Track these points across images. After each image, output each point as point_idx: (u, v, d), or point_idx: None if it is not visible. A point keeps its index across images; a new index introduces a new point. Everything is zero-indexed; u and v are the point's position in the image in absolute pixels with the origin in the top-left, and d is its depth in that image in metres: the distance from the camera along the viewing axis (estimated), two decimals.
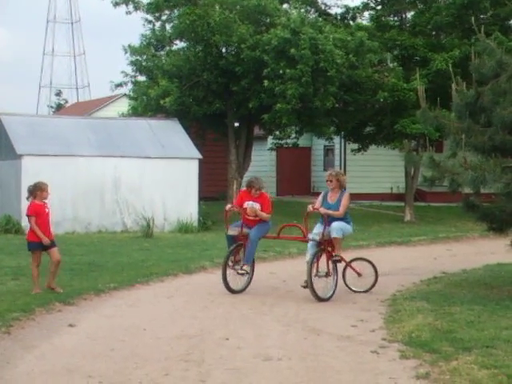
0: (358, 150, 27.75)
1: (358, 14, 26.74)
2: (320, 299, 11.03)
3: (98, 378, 6.85)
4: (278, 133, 28.06)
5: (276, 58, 22.03)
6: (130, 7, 24.74)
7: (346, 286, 12.06)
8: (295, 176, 35.31)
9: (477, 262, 15.02)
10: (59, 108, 62.60)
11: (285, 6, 25.76)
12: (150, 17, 25.31)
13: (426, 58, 24.49)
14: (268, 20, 23.80)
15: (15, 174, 20.54)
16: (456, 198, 12.51)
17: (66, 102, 66.86)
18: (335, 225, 11.35)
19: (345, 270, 12.08)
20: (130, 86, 26.47)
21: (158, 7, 24.63)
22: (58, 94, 69.66)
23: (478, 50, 11.89)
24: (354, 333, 8.85)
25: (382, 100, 23.99)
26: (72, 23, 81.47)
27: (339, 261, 11.59)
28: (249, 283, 11.94)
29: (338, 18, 26.61)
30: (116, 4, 24.68)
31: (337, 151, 33.70)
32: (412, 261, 16.25)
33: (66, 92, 74.23)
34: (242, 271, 11.76)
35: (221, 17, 22.61)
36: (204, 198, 24.06)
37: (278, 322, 9.51)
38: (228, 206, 12.27)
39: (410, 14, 26.63)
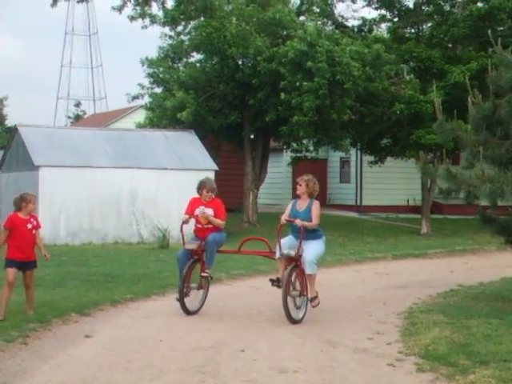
0: (375, 162, 27.70)
1: (374, 26, 26.76)
2: (293, 321, 10.20)
3: None
4: (295, 145, 28.06)
5: (292, 70, 22.08)
6: (147, 21, 24.95)
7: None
8: None
9: (494, 275, 14.92)
10: (77, 119, 62.98)
11: (301, 18, 25.87)
12: (167, 31, 25.50)
13: (442, 70, 24.46)
14: (284, 32, 23.89)
15: (32, 185, 20.63)
16: (473, 211, 12.47)
17: (84, 113, 67.25)
18: (309, 257, 10.35)
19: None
20: (146, 98, 26.64)
21: (173, 20, 24.78)
22: (77, 104, 70.15)
23: (495, 63, 11.85)
24: (371, 345, 8.81)
25: (398, 112, 23.98)
26: (89, 35, 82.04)
27: (318, 304, 10.61)
28: (204, 301, 11.04)
29: (355, 30, 26.65)
30: (132, 18, 24.88)
31: (353, 163, 33.67)
32: (428, 273, 16.18)
33: (84, 103, 74.72)
34: (205, 274, 10.84)
35: (237, 29, 22.71)
36: None
37: (293, 334, 9.48)
38: (185, 217, 11.05)
39: (426, 26, 26.62)
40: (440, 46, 25.33)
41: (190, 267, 10.79)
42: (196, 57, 25.74)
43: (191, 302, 10.84)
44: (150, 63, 24.88)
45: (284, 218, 10.70)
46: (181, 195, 21.81)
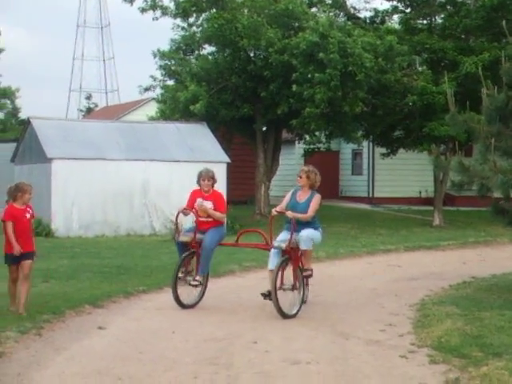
0: (388, 154, 27.62)
1: (387, 18, 26.66)
2: (285, 316, 9.90)
3: (128, 380, 6.89)
4: (307, 138, 28.02)
5: (304, 62, 22.02)
6: (158, 13, 24.93)
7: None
8: (323, 180, 34.75)
9: (507, 267, 14.87)
10: (89, 112, 63.11)
11: (313, 9, 25.79)
12: (179, 22, 25.49)
13: (455, 61, 24.33)
14: (296, 24, 23.82)
15: (45, 178, 20.74)
16: (486, 203, 12.41)
17: (96, 105, 67.38)
18: (304, 234, 10.19)
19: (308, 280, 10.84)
20: (158, 90, 26.67)
21: (185, 12, 24.76)
22: (89, 97, 70.29)
23: (509, 54, 11.80)
24: (383, 337, 8.81)
25: (411, 104, 23.89)
26: (101, 28, 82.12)
27: (310, 276, 10.52)
28: (201, 297, 10.76)
29: (367, 21, 26.55)
30: (143, 10, 24.88)
31: (365, 155, 33.61)
32: (441, 265, 16.15)
33: (96, 96, 74.87)
34: (195, 282, 10.50)
35: (249, 21, 22.67)
36: (232, 201, 24.09)
37: (305, 326, 9.49)
38: (181, 207, 10.93)
39: (439, 17, 26.49)
40: (453, 37, 25.18)
41: (186, 259, 10.61)
42: (208, 49, 25.75)
43: (188, 295, 10.60)
44: (162, 55, 24.91)
45: (275, 209, 10.56)
46: (193, 187, 21.81)
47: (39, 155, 21.26)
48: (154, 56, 25.13)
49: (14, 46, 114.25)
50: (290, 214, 10.21)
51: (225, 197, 11.18)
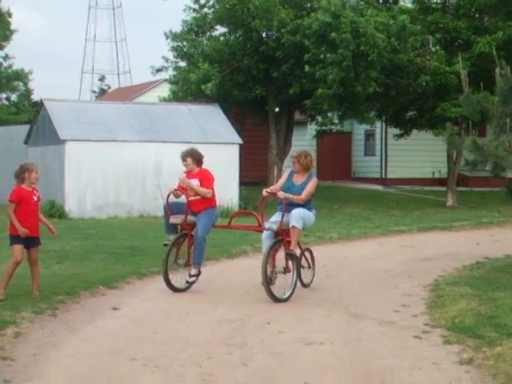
0: (401, 135, 27.52)
1: None
2: (277, 300, 9.65)
3: (142, 360, 6.92)
4: (320, 119, 27.95)
5: (317, 42, 21.93)
6: None
7: (300, 281, 10.52)
8: (336, 161, 35.16)
9: None
10: (102, 93, 63.15)
11: None
12: (191, 3, 25.40)
13: (469, 41, 24.17)
14: (308, 4, 23.70)
15: (59, 159, 20.80)
16: (499, 183, 12.38)
17: (109, 87, 67.43)
18: (295, 212, 9.83)
19: (301, 259, 10.68)
20: (170, 71, 26.63)
21: None
22: (102, 79, 70.39)
23: None
24: (397, 318, 8.81)
25: (424, 84, 23.77)
26: (113, 9, 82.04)
27: (295, 257, 10.02)
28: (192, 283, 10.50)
29: (380, 1, 26.35)
30: None
31: (378, 136, 33.49)
32: (454, 246, 16.11)
33: (108, 77, 74.92)
34: (192, 278, 10.32)
35: (261, 1, 22.56)
36: (244, 182, 24.11)
37: (319, 307, 9.51)
38: (171, 188, 10.69)
39: None
40: (466, 17, 24.98)
41: (177, 241, 10.34)
42: (220, 30, 25.66)
43: (180, 278, 10.43)
44: (174, 37, 24.84)
45: (266, 189, 10.34)
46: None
47: (52, 137, 21.30)
48: (166, 37, 25.08)
49: (26, 28, 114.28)
50: (281, 194, 9.96)
51: (213, 175, 10.75)
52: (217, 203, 10.77)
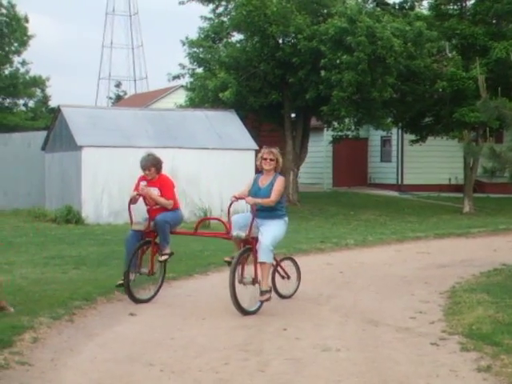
0: (417, 141, 27.47)
1: (416, 3, 26.43)
2: (244, 312, 9.11)
3: (159, 366, 6.94)
4: (336, 124, 27.94)
5: (333, 47, 21.94)
6: None
7: (276, 292, 10.15)
8: (352, 167, 35.15)
9: None
10: (118, 99, 63.44)
11: None
12: (208, 13, 25.53)
13: (486, 46, 24.11)
14: (325, 10, 23.73)
15: (75, 165, 20.89)
16: None
17: (125, 93, 67.73)
18: (264, 242, 9.14)
19: (274, 273, 10.20)
20: (187, 77, 26.71)
21: None
22: (118, 85, 70.75)
23: None
24: (413, 324, 8.78)
25: (440, 90, 23.73)
26: (130, 15, 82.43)
27: (267, 299, 9.32)
28: (159, 288, 10.19)
29: (396, 7, 26.35)
30: None
31: (394, 142, 33.45)
32: (471, 253, 16.03)
33: (125, 84, 75.35)
34: (163, 257, 9.98)
35: (278, 7, 22.59)
36: None
37: (335, 313, 9.49)
38: (133, 193, 10.09)
39: (470, 2, 26.22)
40: (483, 22, 24.94)
41: (140, 249, 9.90)
42: (236, 36, 25.73)
43: (143, 289, 10.20)
44: (191, 43, 24.92)
45: (234, 195, 9.61)
46: (222, 175, 21.95)
47: (69, 143, 21.40)
48: (183, 44, 25.16)
49: (44, 35, 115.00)
50: (249, 199, 9.31)
51: (173, 182, 10.29)
52: (179, 206, 10.38)
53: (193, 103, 25.71)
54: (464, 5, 26.15)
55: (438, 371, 6.84)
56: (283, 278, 10.32)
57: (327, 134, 31.74)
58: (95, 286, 10.57)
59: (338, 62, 21.85)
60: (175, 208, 10.19)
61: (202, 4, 25.30)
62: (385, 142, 34.57)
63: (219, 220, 10.40)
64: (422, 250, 16.30)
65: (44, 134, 24.60)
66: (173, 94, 39.98)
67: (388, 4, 26.58)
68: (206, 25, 25.34)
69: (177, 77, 26.47)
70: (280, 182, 9.63)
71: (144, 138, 21.65)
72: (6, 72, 44.70)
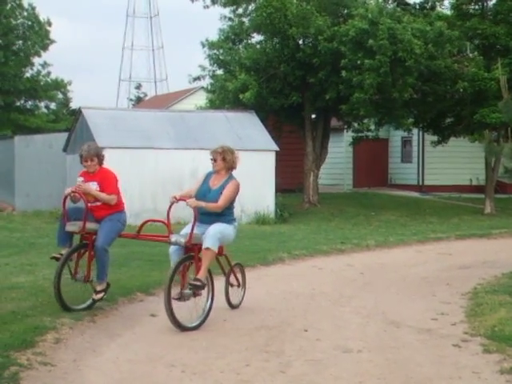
0: (438, 142, 27.34)
1: (437, 3, 26.29)
2: (182, 328, 8.22)
3: (181, 367, 6.96)
4: (356, 125, 27.88)
5: (353, 49, 21.87)
6: (208, 1, 24.98)
7: (228, 303, 9.54)
8: (372, 168, 35.06)
9: None
10: (139, 101, 63.70)
11: None
12: (227, 13, 25.53)
13: (507, 46, 23.95)
14: (345, 11, 23.67)
15: None
16: None
17: (146, 95, 68.00)
18: (212, 230, 8.35)
19: (228, 279, 9.58)
20: (207, 79, 26.77)
21: (234, 1, 24.78)
22: (138, 87, 71.07)
23: None
24: (435, 326, 8.75)
25: (461, 90, 23.59)
26: (150, 17, 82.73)
27: (200, 287, 8.37)
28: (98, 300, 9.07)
29: (417, 7, 26.23)
30: None
31: (415, 142, 33.32)
32: (493, 254, 15.95)
33: (145, 85, 75.60)
34: (99, 295, 8.86)
35: (298, 9, 22.56)
36: (281, 189, 24.12)
37: (356, 314, 9.47)
38: (67, 190, 8.91)
39: (491, 2, 26.05)
40: (505, 22, 24.72)
41: (74, 252, 8.91)
42: (256, 38, 25.73)
43: (77, 295, 9.05)
44: (211, 45, 24.96)
45: (175, 195, 8.74)
46: (241, 176, 21.86)
47: None
48: (203, 46, 25.19)
49: (64, 37, 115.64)
50: (191, 202, 8.44)
51: (116, 175, 9.29)
52: (124, 207, 9.37)
53: (213, 105, 25.75)
54: (485, 4, 25.95)
55: (460, 373, 6.82)
56: (233, 286, 9.64)
57: (347, 135, 31.69)
58: (116, 286, 10.58)
59: (358, 62, 21.79)
60: (120, 210, 9.15)
61: (224, 7, 25.33)
62: (405, 142, 34.44)
63: (163, 222, 8.92)
64: (443, 251, 16.25)
65: (65, 135, 24.76)
66: (193, 95, 40.04)
67: (409, 4, 26.46)
68: (225, 26, 25.37)
69: (197, 78, 26.54)
70: (231, 186, 8.70)
71: (165, 139, 21.72)
72: (27, 74, 44.99)
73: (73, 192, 8.83)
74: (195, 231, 8.47)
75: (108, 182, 9.04)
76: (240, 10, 25.47)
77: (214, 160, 8.83)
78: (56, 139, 25.88)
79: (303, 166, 25.69)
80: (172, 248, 8.66)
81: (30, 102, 47.20)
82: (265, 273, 13.02)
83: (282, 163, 24.33)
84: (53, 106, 50.23)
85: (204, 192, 8.72)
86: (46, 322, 8.18)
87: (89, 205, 8.85)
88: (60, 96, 49.36)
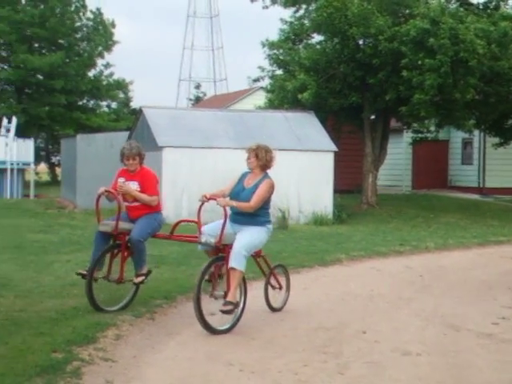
0: (501, 144, 26.90)
1: (501, 3, 25.84)
2: (212, 331, 8.02)
3: (239, 366, 7.00)
4: (416, 126, 27.60)
5: (414, 49, 21.66)
6: (267, 1, 25.06)
7: (268, 304, 9.35)
8: (431, 169, 34.67)
9: None
10: (198, 101, 64.12)
11: None
12: (287, 17, 25.63)
13: None
14: (407, 11, 23.46)
15: (157, 166, 21.16)
16: None
17: (205, 94, 68.43)
18: (237, 245, 8.00)
19: (268, 281, 9.41)
20: (266, 80, 26.84)
21: (295, 1, 24.78)
22: (197, 86, 71.52)
23: None
24: (496, 330, 8.62)
25: None
26: (211, 18, 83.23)
27: (231, 311, 8.05)
28: (131, 299, 9.03)
29: (480, 7, 25.83)
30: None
31: (475, 144, 32.83)
32: None
33: (205, 85, 76.08)
34: (140, 278, 8.83)
35: (359, 9, 22.43)
36: (339, 190, 24.03)
37: (415, 317, 9.39)
38: (101, 189, 8.78)
39: None
40: None
41: (107, 252, 8.79)
42: (316, 38, 25.69)
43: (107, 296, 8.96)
44: (271, 45, 25.01)
45: (205, 195, 8.56)
46: (300, 176, 21.95)
47: (150, 143, 21.72)
48: (263, 46, 25.26)
49: (127, 37, 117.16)
50: (221, 201, 8.24)
51: (156, 176, 9.13)
52: (161, 208, 9.27)
53: (272, 105, 25.80)
54: None
55: None
56: (274, 288, 9.43)
57: (407, 136, 31.40)
58: (175, 285, 10.72)
59: (419, 62, 21.57)
60: (157, 210, 9.05)
61: (284, 7, 25.36)
62: (466, 144, 33.96)
63: (195, 222, 8.72)
64: (504, 255, 15.97)
65: (126, 134, 25.07)
66: (252, 95, 40.18)
67: (472, 4, 26.08)
68: (285, 26, 25.40)
69: (257, 80, 26.66)
70: (265, 185, 8.36)
71: (224, 138, 21.83)
72: (90, 74, 45.73)
73: (106, 191, 8.77)
74: (228, 230, 8.29)
75: (149, 182, 8.93)
76: (300, 12, 25.46)
77: (248, 157, 8.60)
78: (117, 138, 26.22)
79: (362, 167, 25.56)
80: (200, 248, 8.57)
81: (92, 102, 47.99)
82: (322, 274, 12.99)
83: (340, 164, 24.24)
84: (114, 105, 50.95)
85: (238, 191, 8.53)
86: (107, 319, 8.31)
87: (127, 204, 8.85)
88: (121, 95, 50.05)
